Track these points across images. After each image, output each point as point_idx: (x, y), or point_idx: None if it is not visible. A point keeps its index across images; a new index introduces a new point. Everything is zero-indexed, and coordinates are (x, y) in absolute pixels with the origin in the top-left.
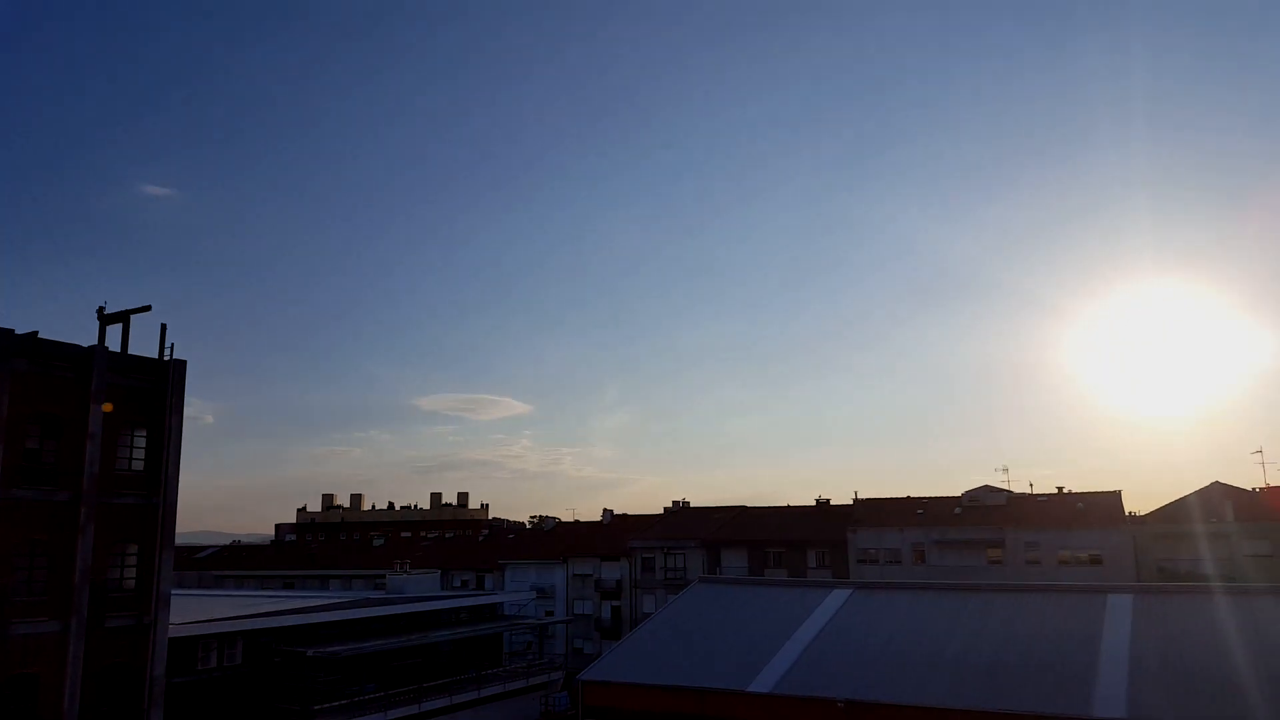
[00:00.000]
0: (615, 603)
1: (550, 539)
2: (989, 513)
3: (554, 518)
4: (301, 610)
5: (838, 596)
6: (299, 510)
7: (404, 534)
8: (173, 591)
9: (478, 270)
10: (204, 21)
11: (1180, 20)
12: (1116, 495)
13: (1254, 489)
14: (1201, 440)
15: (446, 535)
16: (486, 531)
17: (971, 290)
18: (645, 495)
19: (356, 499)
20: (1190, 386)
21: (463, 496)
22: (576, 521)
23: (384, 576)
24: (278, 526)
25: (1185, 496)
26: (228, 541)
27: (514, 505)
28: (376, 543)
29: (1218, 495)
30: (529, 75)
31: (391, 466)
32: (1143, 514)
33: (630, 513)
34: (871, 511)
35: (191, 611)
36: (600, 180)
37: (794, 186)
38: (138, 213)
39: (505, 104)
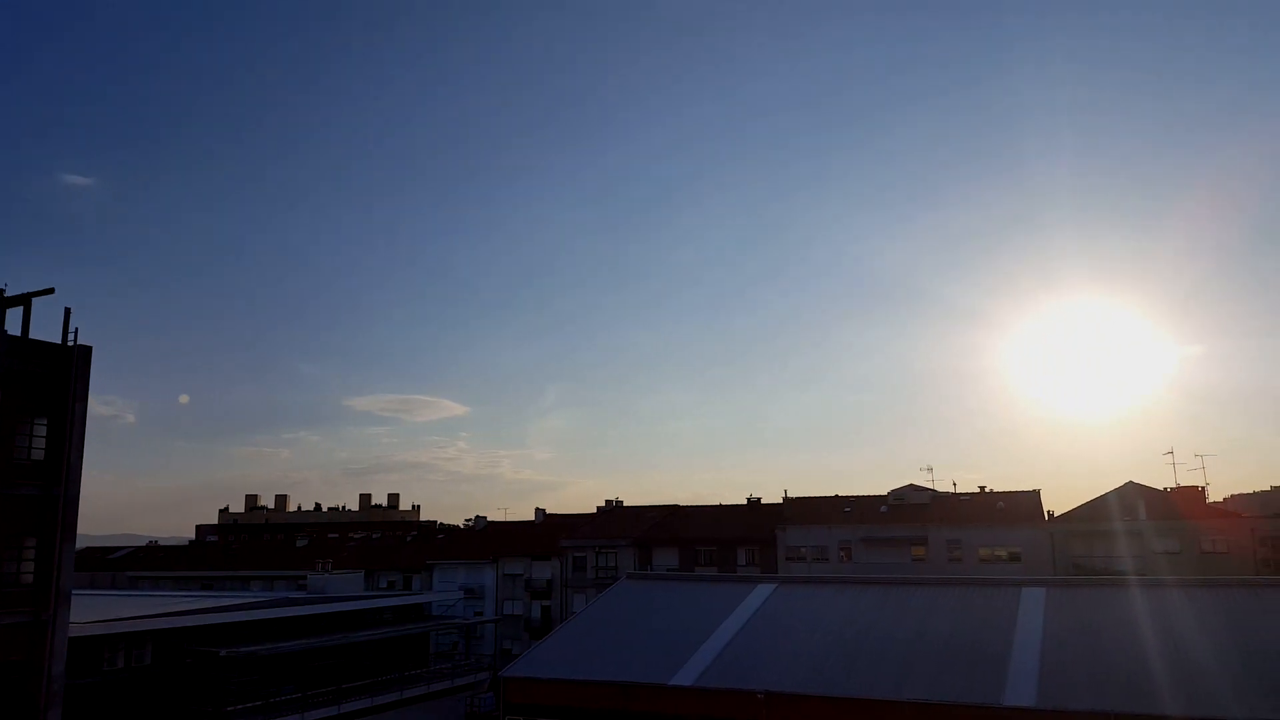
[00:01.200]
0: (546, 602)
1: (480, 539)
2: (914, 511)
3: (484, 517)
4: (216, 610)
5: (762, 591)
6: (221, 511)
7: (331, 535)
8: (83, 592)
9: (415, 269)
10: (133, 11)
11: (1104, 43)
12: (1036, 494)
13: (1165, 489)
14: (1118, 443)
15: (374, 536)
16: (415, 533)
17: (904, 299)
18: (584, 498)
19: (282, 500)
20: (1109, 393)
21: (393, 498)
22: (508, 522)
23: (306, 577)
24: (198, 528)
25: (1100, 496)
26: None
27: (450, 508)
28: (300, 543)
29: (1131, 495)
30: (474, 74)
31: (322, 468)
32: (1060, 513)
33: (568, 514)
34: (800, 510)
35: (99, 611)
36: (542, 181)
37: (734, 193)
38: (58, 202)
39: (447, 102)
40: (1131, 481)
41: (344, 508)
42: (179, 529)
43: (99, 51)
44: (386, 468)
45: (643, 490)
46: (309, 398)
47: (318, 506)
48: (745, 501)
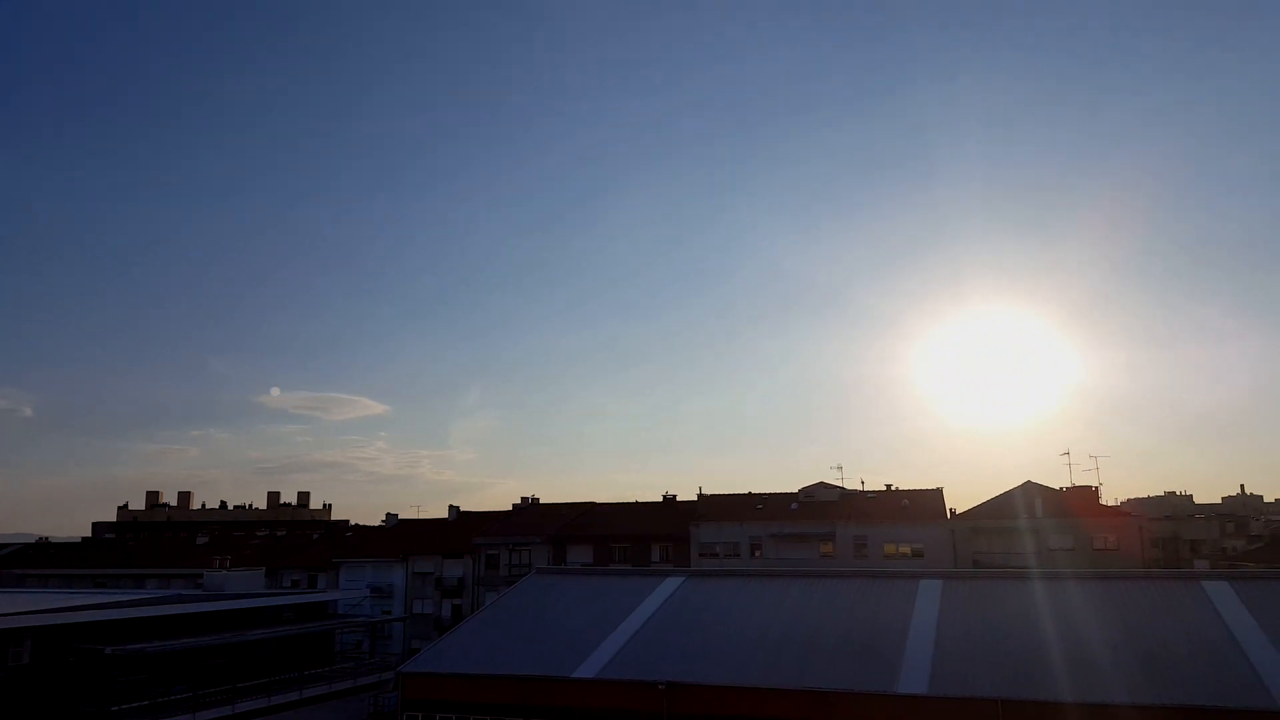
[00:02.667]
0: (457, 601)
1: (390, 537)
2: (823, 508)
3: (395, 514)
4: (102, 606)
5: (670, 584)
6: (120, 508)
7: (237, 534)
8: None
9: (333, 261)
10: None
11: (1008, 61)
12: (939, 493)
13: (1061, 488)
14: (1021, 447)
15: (279, 534)
16: (321, 531)
17: (821, 305)
18: (506, 499)
19: (185, 497)
20: (1014, 398)
21: (303, 496)
22: (419, 519)
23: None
24: (95, 525)
25: (1000, 495)
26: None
27: (367, 509)
28: (201, 541)
29: (1029, 494)
30: (400, 72)
31: (233, 467)
32: (963, 511)
33: (482, 512)
34: (714, 507)
35: None
36: (466, 175)
37: (657, 195)
38: None
39: (373, 99)
40: (1030, 481)
41: (251, 506)
42: (77, 527)
43: None
44: (301, 467)
45: (565, 491)
46: (219, 394)
47: (223, 505)
48: (661, 499)
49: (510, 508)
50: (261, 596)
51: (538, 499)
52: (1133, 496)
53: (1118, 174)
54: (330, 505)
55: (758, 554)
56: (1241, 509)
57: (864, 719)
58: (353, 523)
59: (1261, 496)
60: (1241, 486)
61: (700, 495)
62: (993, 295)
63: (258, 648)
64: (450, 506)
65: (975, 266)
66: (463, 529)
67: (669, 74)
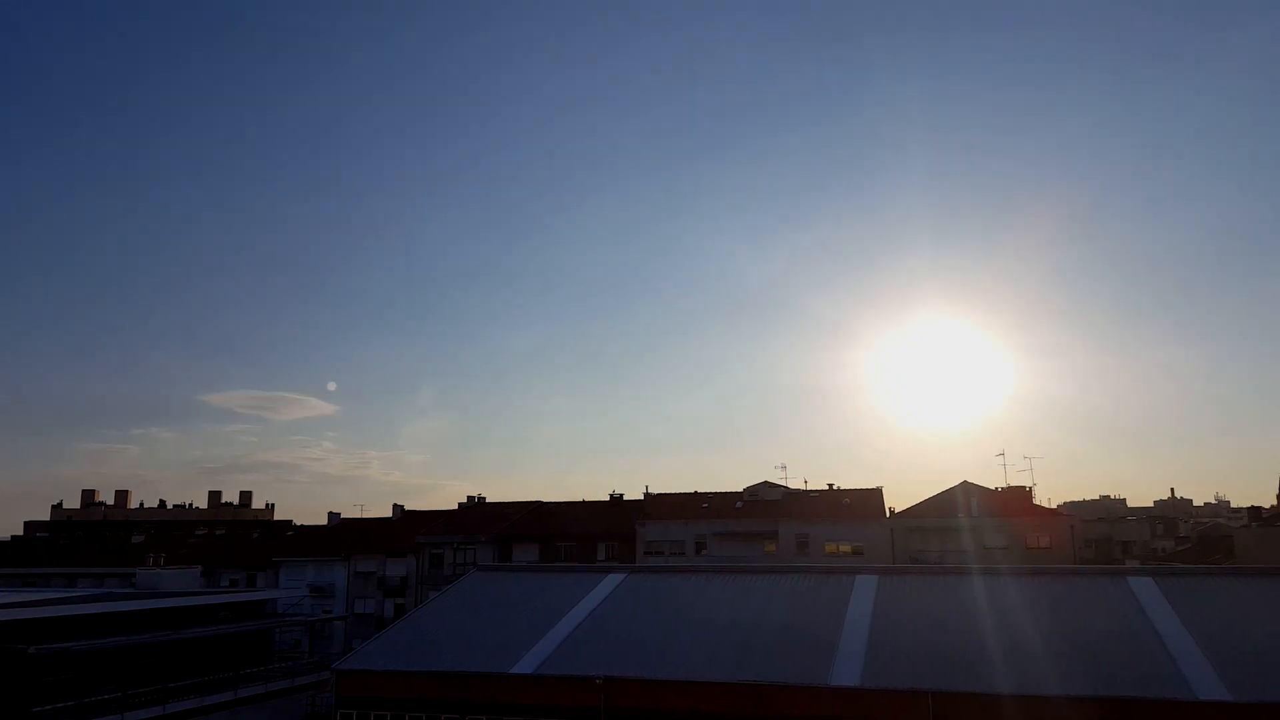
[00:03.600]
0: (400, 600)
1: (332, 536)
2: (766, 507)
3: (338, 513)
4: (26, 604)
5: (611, 581)
6: (54, 507)
7: (175, 533)
8: None
9: (281, 258)
10: None
11: (955, 75)
12: (878, 492)
13: (997, 488)
14: (962, 450)
15: (217, 533)
16: (260, 530)
17: (772, 312)
18: (456, 501)
19: (123, 496)
20: (956, 404)
21: (245, 495)
22: (362, 519)
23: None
24: (27, 524)
25: (938, 494)
26: None
27: (315, 510)
28: (136, 539)
29: (965, 493)
30: (351, 67)
31: (175, 467)
32: (901, 510)
33: (428, 511)
34: (660, 506)
35: None
36: (417, 174)
37: (612, 197)
38: None
39: (321, 93)
40: (966, 481)
41: (191, 505)
42: (10, 527)
43: None
44: (246, 467)
45: (517, 493)
46: (162, 392)
47: (162, 504)
48: (608, 498)
49: (456, 507)
50: (196, 595)
51: (484, 498)
52: (1069, 500)
53: (1058, 187)
54: (273, 505)
55: (703, 552)
56: (1172, 512)
57: (798, 711)
58: (297, 523)
59: (1191, 500)
60: (1172, 490)
61: (646, 494)
62: (937, 303)
63: (191, 647)
64: (394, 505)
65: (921, 274)
66: (407, 528)
67: (620, 78)
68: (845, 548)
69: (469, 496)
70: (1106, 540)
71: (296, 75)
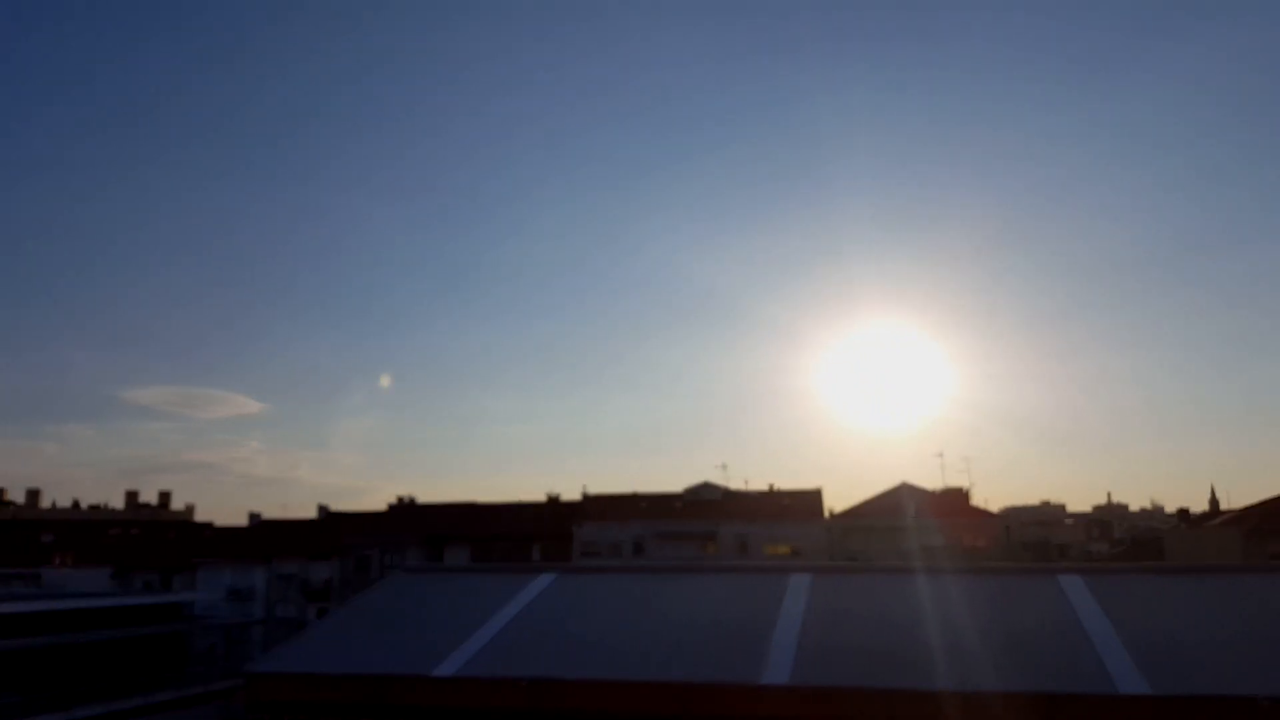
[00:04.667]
0: (323, 604)
1: (252, 538)
2: (706, 507)
3: (259, 514)
4: None
5: (542, 581)
6: None
7: (88, 534)
8: None
9: (207, 248)
10: None
11: (899, 83)
12: (818, 493)
13: (935, 490)
14: (905, 452)
15: (132, 533)
16: (175, 531)
17: (719, 315)
18: (389, 504)
19: (34, 495)
20: (899, 407)
21: (164, 496)
22: (285, 520)
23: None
24: None
25: (876, 495)
26: None
27: (241, 513)
28: (45, 539)
29: (903, 494)
30: (290, 60)
31: (93, 466)
32: (841, 510)
33: (355, 512)
34: (599, 507)
35: None
36: (354, 168)
37: (557, 196)
38: None
39: (259, 84)
40: (905, 482)
41: (106, 506)
42: None
43: None
44: (169, 467)
45: (453, 496)
46: (79, 388)
47: (76, 504)
48: (545, 499)
49: (385, 508)
50: (104, 597)
51: (414, 499)
52: (1010, 505)
53: (997, 194)
54: (193, 506)
55: (641, 553)
56: (1108, 516)
57: (727, 710)
58: (213, 523)
59: (1127, 505)
60: (1108, 495)
61: (584, 495)
62: (881, 307)
63: (99, 651)
64: (319, 506)
65: (865, 279)
66: (332, 530)
67: (569, 82)
68: (784, 548)
69: (398, 498)
70: (1044, 543)
71: (224, 59)
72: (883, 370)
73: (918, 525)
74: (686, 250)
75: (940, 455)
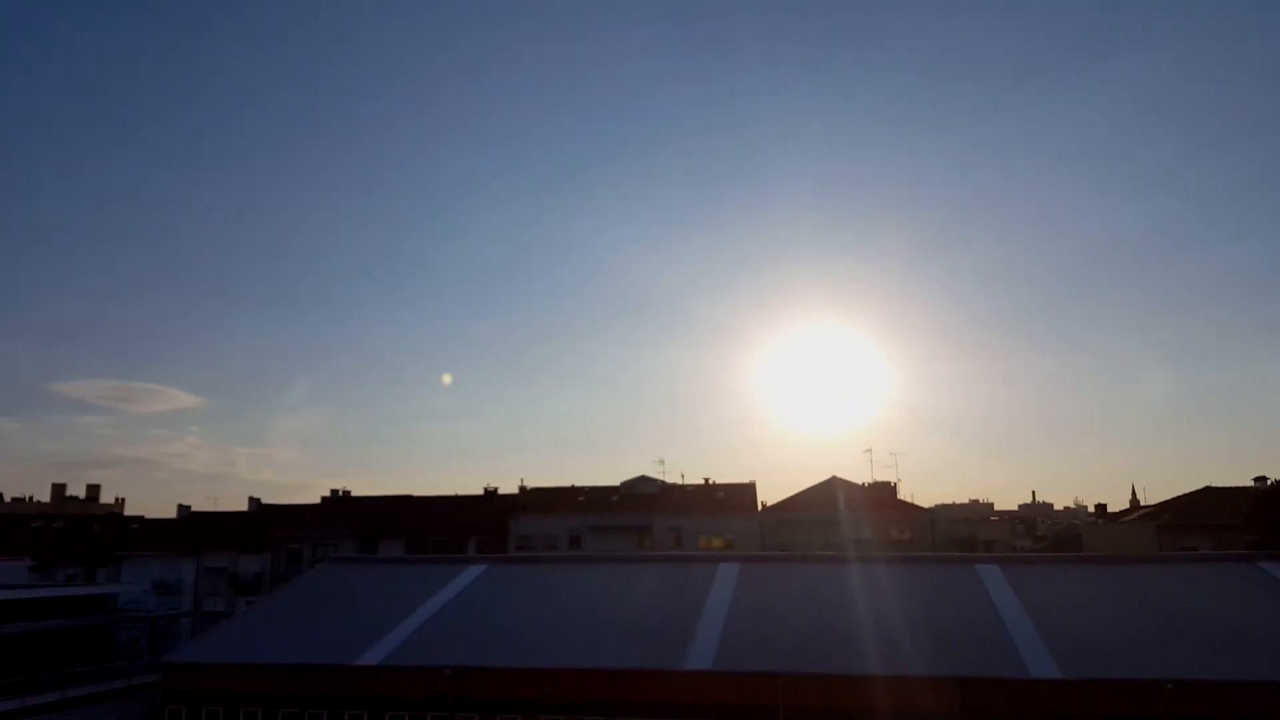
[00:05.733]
0: (253, 598)
1: (181, 530)
2: (642, 501)
3: (188, 506)
4: None
5: (472, 572)
6: None
7: (9, 527)
8: None
9: (143, 238)
10: None
11: (839, 86)
12: (751, 486)
13: (864, 484)
14: (837, 447)
15: (55, 525)
16: (100, 524)
17: (661, 314)
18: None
19: None
20: (835, 405)
21: (93, 489)
22: (215, 512)
23: None
24: None
25: (807, 489)
26: None
27: (174, 509)
28: None
29: (833, 488)
30: (236, 50)
31: (22, 460)
32: (773, 504)
33: (288, 505)
34: (535, 500)
35: None
36: (295, 160)
37: (501, 193)
38: None
39: (193, 55)
40: (835, 476)
41: (32, 499)
42: None
43: None
44: (102, 462)
45: (389, 491)
46: (6, 379)
47: (0, 497)
48: (482, 492)
49: (319, 501)
50: (22, 589)
51: (349, 492)
52: (940, 503)
53: (940, 200)
54: (124, 500)
55: (578, 546)
56: (1033, 514)
57: (651, 696)
58: (144, 517)
59: (1053, 504)
60: (1033, 494)
61: (521, 488)
62: (819, 309)
63: (16, 643)
64: (250, 499)
65: (803, 281)
66: (264, 523)
67: (513, 80)
68: (719, 541)
69: (332, 490)
70: (971, 539)
71: (165, 55)
72: (819, 370)
73: (847, 518)
74: (626, 250)
75: (869, 451)
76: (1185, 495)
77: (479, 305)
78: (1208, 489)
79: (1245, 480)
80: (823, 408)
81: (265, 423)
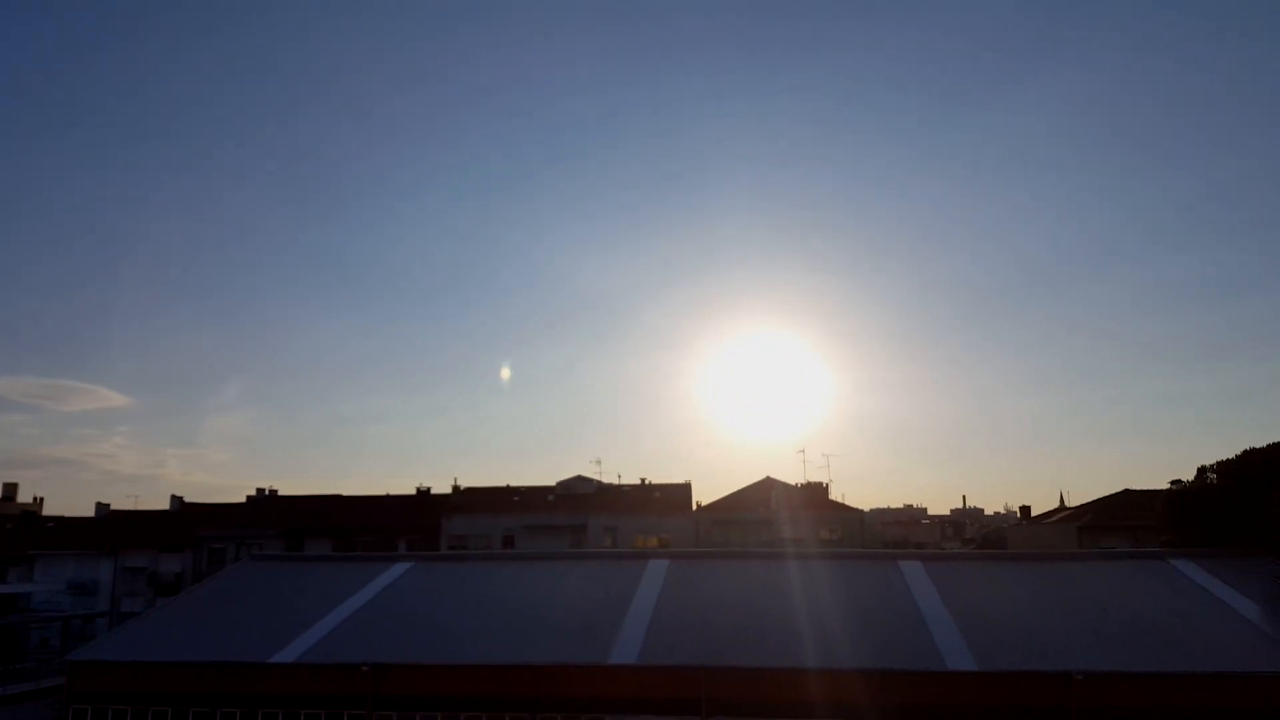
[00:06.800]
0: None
1: (99, 529)
2: (578, 500)
3: (107, 504)
4: None
5: (397, 569)
6: None
7: None
8: None
9: (68, 232)
10: None
11: (779, 94)
12: (687, 486)
13: (797, 484)
14: (775, 451)
15: None
16: (11, 522)
17: (603, 319)
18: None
19: None
20: (773, 409)
21: (9, 489)
22: (135, 510)
23: None
24: None
25: (741, 489)
26: None
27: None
28: None
29: (766, 488)
30: (167, 42)
31: None
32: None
33: (212, 504)
34: (469, 499)
35: None
36: (230, 155)
37: (441, 197)
38: None
39: (121, 40)
40: (769, 476)
41: None
42: None
43: None
44: (24, 462)
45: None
46: None
47: None
48: (415, 492)
49: (244, 500)
50: None
51: (276, 491)
52: (875, 507)
53: (880, 208)
54: (42, 499)
55: (512, 546)
56: (964, 518)
57: (574, 691)
58: (63, 514)
59: (983, 509)
60: (964, 499)
61: (455, 488)
62: (759, 314)
63: None
64: (173, 497)
65: (744, 286)
66: (186, 522)
67: (454, 81)
68: (653, 540)
69: (258, 489)
70: (903, 541)
71: (91, 51)
72: (758, 374)
73: (778, 517)
74: (570, 254)
75: (803, 452)
76: (1105, 498)
77: (420, 307)
78: (1126, 491)
79: (1163, 484)
80: (762, 412)
81: (197, 423)
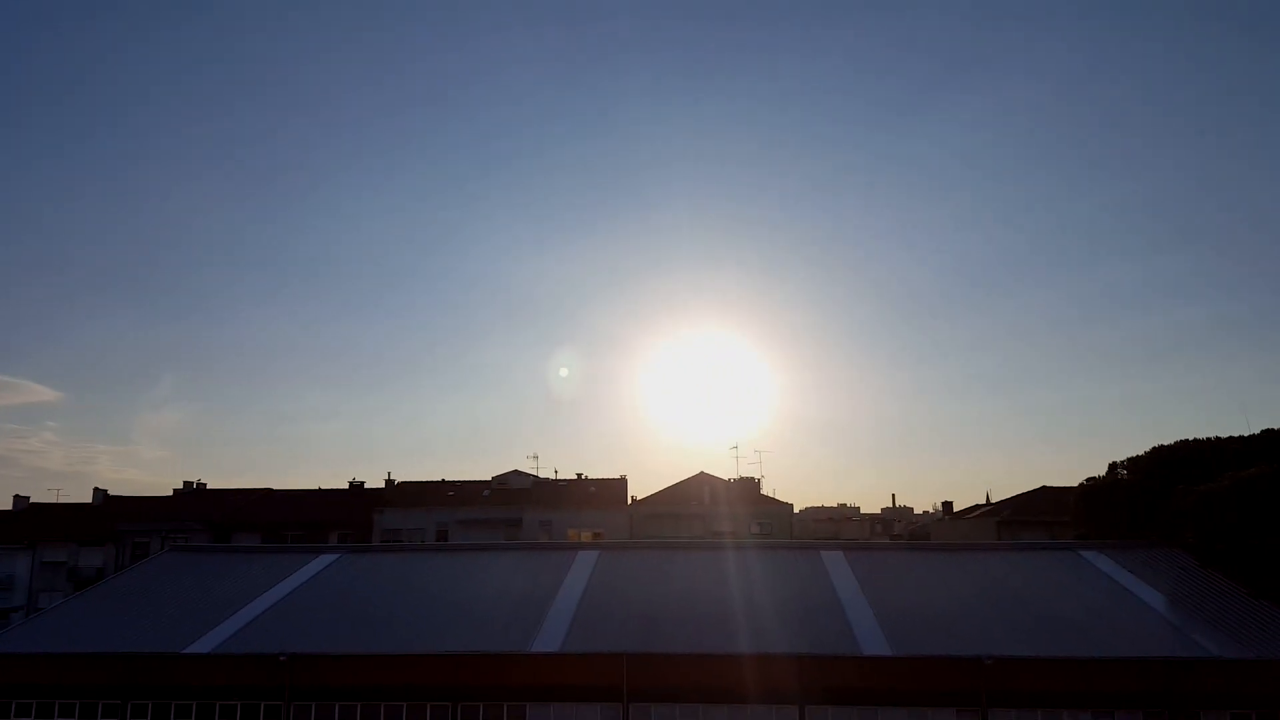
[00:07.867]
0: None
1: (16, 522)
2: (514, 495)
3: (26, 497)
4: None
5: (321, 561)
6: None
7: None
8: None
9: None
10: None
11: (721, 96)
12: (623, 481)
13: (729, 479)
14: (713, 449)
15: None
16: None
17: (548, 318)
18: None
19: None
20: (713, 409)
21: None
22: (55, 503)
23: None
24: None
25: (675, 484)
26: None
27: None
28: None
29: (699, 483)
30: (116, 37)
31: None
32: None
33: (138, 497)
34: (402, 494)
35: None
36: (171, 149)
37: (386, 197)
38: None
39: (66, 27)
40: (702, 472)
41: None
42: None
43: None
44: None
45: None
46: None
47: None
48: (347, 486)
49: (171, 494)
50: None
51: (204, 483)
52: (810, 505)
53: (814, 215)
54: None
55: (443, 539)
56: (893, 516)
57: (497, 680)
58: None
59: (912, 508)
60: (893, 497)
61: (388, 482)
62: (701, 315)
63: None
64: (95, 489)
65: (686, 288)
66: (108, 516)
67: (398, 81)
68: (588, 534)
69: (185, 482)
70: (833, 537)
71: (29, 35)
72: (698, 374)
73: (712, 512)
74: (511, 254)
75: (735, 448)
76: (1023, 494)
77: (363, 305)
78: (1043, 488)
79: (1077, 481)
80: (701, 410)
81: (129, 420)
